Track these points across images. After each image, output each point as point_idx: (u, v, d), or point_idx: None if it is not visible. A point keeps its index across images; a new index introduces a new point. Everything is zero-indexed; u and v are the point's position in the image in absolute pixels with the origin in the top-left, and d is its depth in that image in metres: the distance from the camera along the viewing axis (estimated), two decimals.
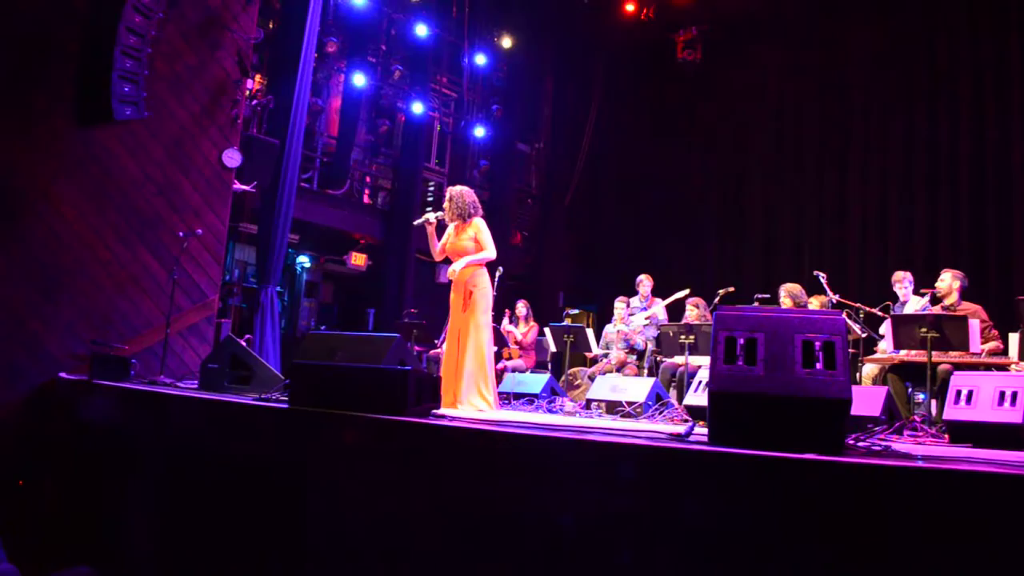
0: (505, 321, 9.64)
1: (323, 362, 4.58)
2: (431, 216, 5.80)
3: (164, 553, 5.08)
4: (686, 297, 8.30)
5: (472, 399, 5.41)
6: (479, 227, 5.74)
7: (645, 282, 9.00)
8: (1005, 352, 6.73)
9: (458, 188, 5.88)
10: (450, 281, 5.77)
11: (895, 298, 7.24)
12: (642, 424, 5.43)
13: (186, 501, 4.94)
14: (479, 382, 5.49)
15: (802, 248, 12.32)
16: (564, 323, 9.15)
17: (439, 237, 5.88)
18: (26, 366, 6.93)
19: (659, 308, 8.68)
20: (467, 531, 3.42)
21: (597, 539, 3.02)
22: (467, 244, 5.70)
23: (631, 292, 9.12)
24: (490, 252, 5.72)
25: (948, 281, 6.53)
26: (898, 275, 7.29)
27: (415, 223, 5.99)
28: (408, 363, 4.74)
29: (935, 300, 6.63)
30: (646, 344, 8.60)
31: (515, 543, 3.25)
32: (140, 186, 7.74)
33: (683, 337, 6.97)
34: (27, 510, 6.45)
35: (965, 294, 6.61)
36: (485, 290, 5.71)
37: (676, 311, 8.71)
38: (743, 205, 13.28)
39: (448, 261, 5.83)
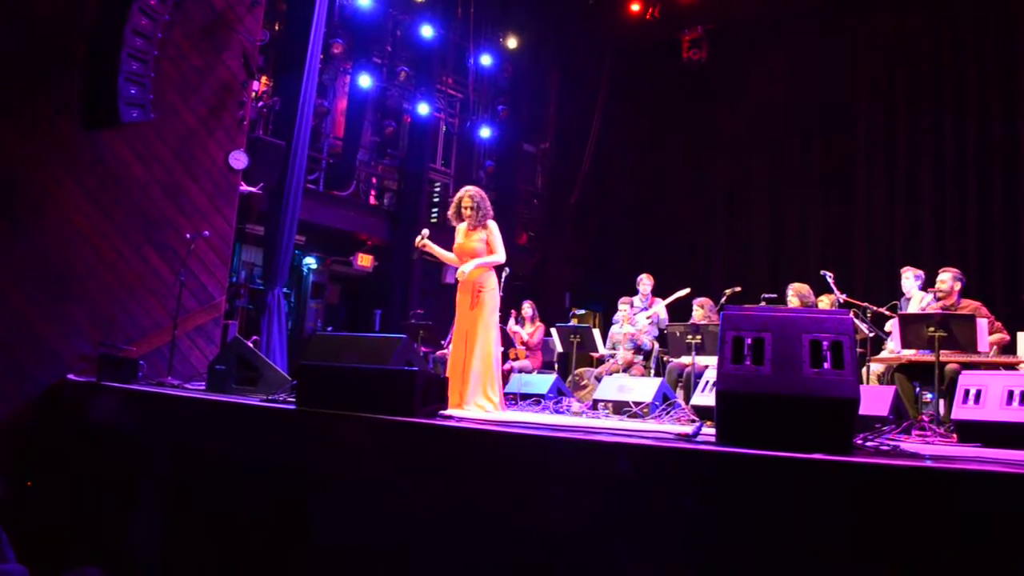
0: (511, 322, 9.63)
1: (330, 363, 4.59)
2: (424, 238, 5.77)
3: (172, 554, 5.09)
4: (687, 296, 8.29)
5: (478, 400, 5.41)
6: (492, 230, 5.74)
7: (645, 281, 8.98)
8: (1013, 350, 6.70)
9: (475, 189, 5.85)
10: (456, 282, 5.77)
11: (902, 296, 7.23)
12: (649, 424, 5.43)
13: (193, 502, 4.95)
14: (486, 383, 5.48)
15: (808, 247, 12.28)
16: (570, 323, 9.13)
17: (434, 239, 5.85)
18: (34, 368, 6.95)
19: (660, 308, 8.67)
20: (474, 532, 3.42)
21: (603, 540, 3.02)
22: (477, 245, 5.68)
23: (636, 292, 9.10)
24: (500, 255, 5.72)
25: (949, 282, 6.50)
26: (907, 269, 7.29)
27: (417, 245, 5.87)
28: (415, 364, 4.76)
29: (940, 299, 6.61)
30: (653, 344, 8.59)
31: (522, 544, 3.25)
32: (147, 188, 7.76)
33: (690, 337, 6.97)
34: (36, 511, 6.47)
35: (969, 292, 6.59)
36: (493, 291, 5.71)
37: (677, 310, 8.70)
38: (750, 204, 13.25)
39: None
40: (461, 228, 5.83)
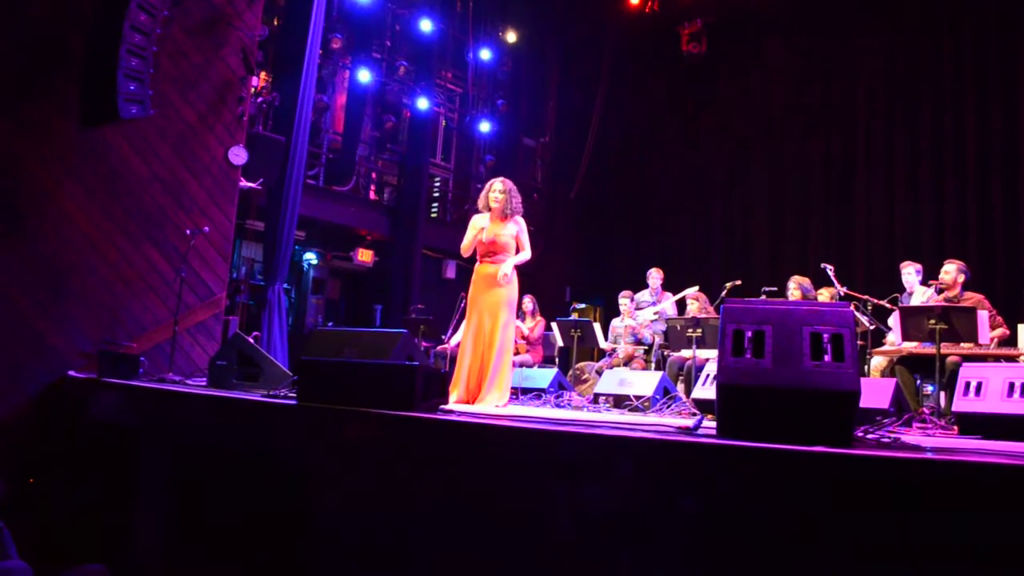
0: None
1: (331, 358, 4.58)
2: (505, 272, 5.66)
3: (173, 550, 5.10)
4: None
5: (494, 397, 5.39)
6: (523, 226, 5.72)
7: (655, 275, 8.98)
8: (1013, 343, 6.70)
9: (510, 182, 5.81)
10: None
11: (902, 289, 7.22)
12: (650, 418, 5.42)
13: (195, 498, 4.96)
14: (502, 380, 5.48)
15: (809, 241, 12.27)
16: (571, 317, 9.12)
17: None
18: (35, 365, 6.96)
19: (668, 303, 8.67)
20: (475, 526, 3.42)
21: (605, 534, 3.02)
22: (507, 240, 5.64)
23: (637, 286, 9.09)
24: (529, 252, 5.73)
25: (953, 274, 6.49)
26: (906, 264, 7.30)
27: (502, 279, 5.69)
28: (415, 359, 4.74)
29: (941, 291, 6.61)
30: (654, 338, 8.58)
31: (522, 538, 3.25)
32: (147, 184, 7.75)
33: (690, 331, 6.96)
34: (38, 508, 6.48)
35: (970, 285, 6.59)
36: (516, 288, 5.68)
37: (684, 306, 8.69)
38: (749, 197, 13.23)
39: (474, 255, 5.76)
40: (483, 220, 5.71)
